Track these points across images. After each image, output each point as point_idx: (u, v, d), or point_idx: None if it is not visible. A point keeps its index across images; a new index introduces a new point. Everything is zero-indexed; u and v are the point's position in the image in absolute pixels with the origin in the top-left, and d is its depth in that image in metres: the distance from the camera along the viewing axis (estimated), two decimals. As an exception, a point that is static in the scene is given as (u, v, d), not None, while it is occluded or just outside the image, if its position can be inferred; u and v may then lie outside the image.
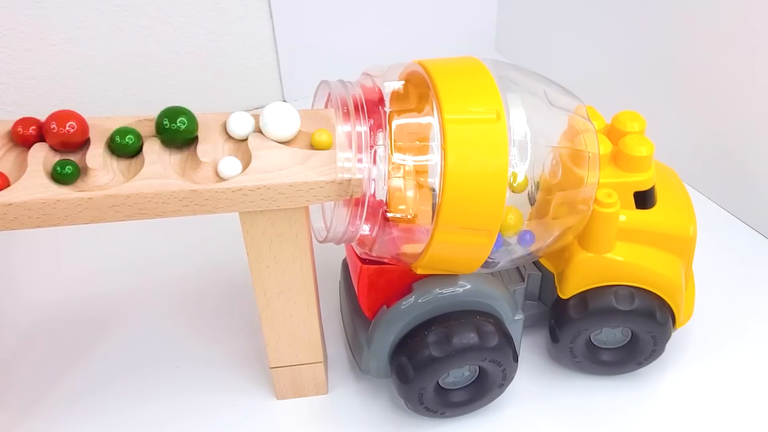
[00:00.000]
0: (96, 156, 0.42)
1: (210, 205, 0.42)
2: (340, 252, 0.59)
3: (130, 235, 0.70)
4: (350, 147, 0.43)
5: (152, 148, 0.43)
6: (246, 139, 0.44)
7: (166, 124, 0.43)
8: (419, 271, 0.47)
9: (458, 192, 0.43)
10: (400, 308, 0.49)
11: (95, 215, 0.41)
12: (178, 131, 0.43)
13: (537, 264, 0.56)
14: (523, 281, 0.55)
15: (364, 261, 0.48)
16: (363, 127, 0.43)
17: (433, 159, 0.44)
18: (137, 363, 0.58)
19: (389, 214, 0.44)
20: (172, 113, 0.43)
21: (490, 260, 0.47)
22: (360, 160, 0.42)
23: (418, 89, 0.46)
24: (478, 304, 0.50)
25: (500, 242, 0.47)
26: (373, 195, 0.43)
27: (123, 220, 0.41)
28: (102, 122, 0.44)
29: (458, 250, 0.45)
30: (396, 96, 0.46)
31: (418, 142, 0.45)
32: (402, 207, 0.45)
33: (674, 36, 0.73)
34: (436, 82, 0.44)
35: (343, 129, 0.43)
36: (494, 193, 0.43)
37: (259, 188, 0.42)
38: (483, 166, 0.43)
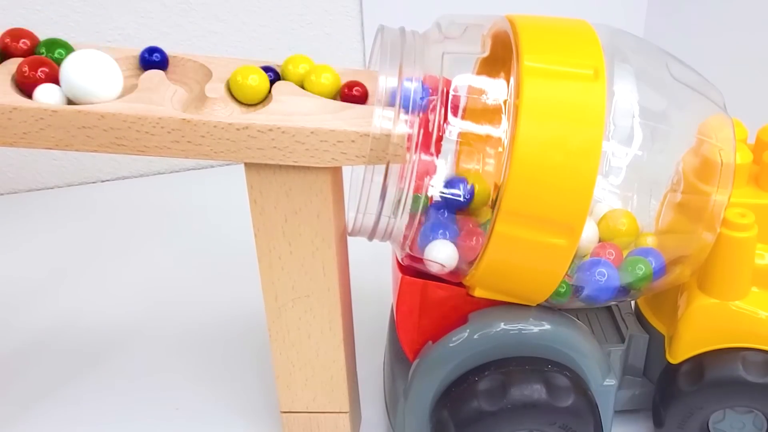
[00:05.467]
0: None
1: (206, 145, 0.36)
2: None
3: (132, 260, 0.66)
4: (395, 104, 0.36)
5: (151, 78, 0.38)
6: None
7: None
8: (477, 293, 0.40)
9: (531, 167, 0.35)
10: (448, 345, 0.41)
11: (61, 138, 0.35)
12: None
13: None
14: (623, 342, 0.46)
15: (405, 271, 0.41)
16: (414, 83, 0.37)
17: (501, 129, 0.37)
18: (131, 403, 0.52)
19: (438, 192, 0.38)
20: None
21: (574, 285, 0.39)
22: (407, 123, 0.36)
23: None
24: (556, 353, 0.41)
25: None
26: (416, 164, 0.37)
27: (96, 151, 0.36)
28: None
29: (527, 256, 0.37)
30: None
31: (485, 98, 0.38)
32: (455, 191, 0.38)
33: (676, 36, 0.71)
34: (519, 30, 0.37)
35: (387, 82, 0.36)
36: (580, 174, 0.35)
37: (271, 130, 0.35)
38: (568, 134, 0.35)
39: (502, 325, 0.40)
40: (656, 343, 0.45)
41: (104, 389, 0.52)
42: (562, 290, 0.39)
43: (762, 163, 0.43)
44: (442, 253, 0.38)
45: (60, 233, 0.68)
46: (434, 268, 0.38)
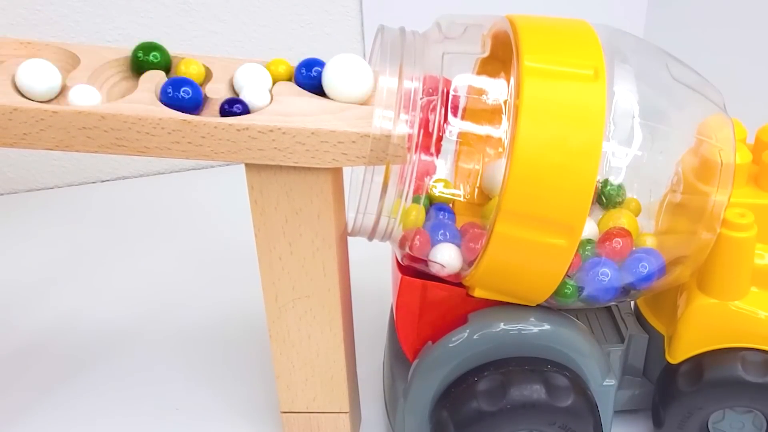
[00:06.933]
0: (81, 78, 0.38)
1: (207, 145, 0.35)
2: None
3: (132, 260, 0.66)
4: (395, 104, 0.36)
5: (152, 78, 0.38)
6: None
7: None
8: (477, 293, 0.40)
9: (531, 167, 0.35)
10: (447, 345, 0.40)
11: (61, 139, 0.35)
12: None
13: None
14: (623, 342, 0.45)
15: (405, 271, 0.40)
16: (414, 83, 0.36)
17: (501, 129, 0.37)
18: (131, 402, 0.52)
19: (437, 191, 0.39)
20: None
21: (574, 284, 0.39)
22: (407, 123, 0.35)
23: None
24: (555, 353, 0.41)
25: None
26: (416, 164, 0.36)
27: (97, 152, 0.36)
28: (98, 50, 0.40)
29: (527, 256, 0.37)
30: None
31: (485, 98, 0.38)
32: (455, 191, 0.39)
33: (676, 36, 0.71)
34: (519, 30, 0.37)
35: (387, 82, 0.36)
36: (580, 174, 0.35)
37: (272, 130, 0.35)
38: (568, 135, 0.35)
39: (502, 326, 0.40)
40: (656, 343, 0.45)
41: (104, 389, 0.52)
42: (569, 291, 0.39)
43: (761, 163, 0.43)
44: (446, 256, 0.37)
45: (60, 233, 0.67)
46: (434, 269, 0.38)
